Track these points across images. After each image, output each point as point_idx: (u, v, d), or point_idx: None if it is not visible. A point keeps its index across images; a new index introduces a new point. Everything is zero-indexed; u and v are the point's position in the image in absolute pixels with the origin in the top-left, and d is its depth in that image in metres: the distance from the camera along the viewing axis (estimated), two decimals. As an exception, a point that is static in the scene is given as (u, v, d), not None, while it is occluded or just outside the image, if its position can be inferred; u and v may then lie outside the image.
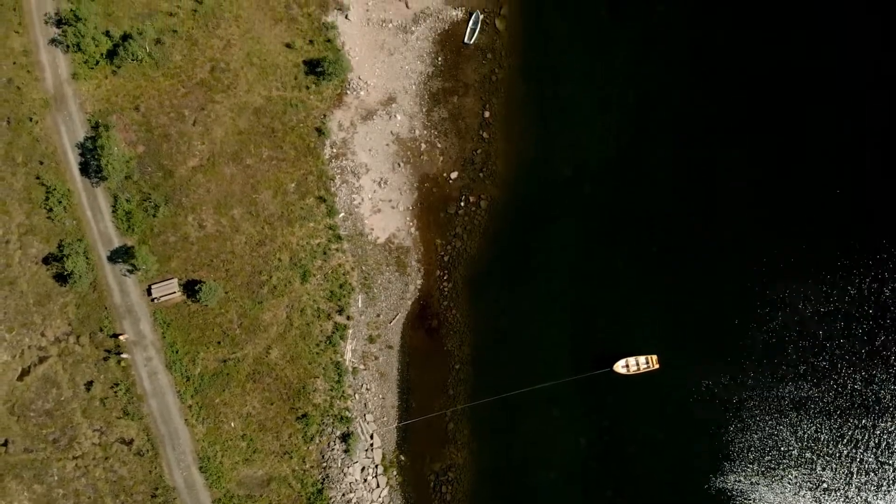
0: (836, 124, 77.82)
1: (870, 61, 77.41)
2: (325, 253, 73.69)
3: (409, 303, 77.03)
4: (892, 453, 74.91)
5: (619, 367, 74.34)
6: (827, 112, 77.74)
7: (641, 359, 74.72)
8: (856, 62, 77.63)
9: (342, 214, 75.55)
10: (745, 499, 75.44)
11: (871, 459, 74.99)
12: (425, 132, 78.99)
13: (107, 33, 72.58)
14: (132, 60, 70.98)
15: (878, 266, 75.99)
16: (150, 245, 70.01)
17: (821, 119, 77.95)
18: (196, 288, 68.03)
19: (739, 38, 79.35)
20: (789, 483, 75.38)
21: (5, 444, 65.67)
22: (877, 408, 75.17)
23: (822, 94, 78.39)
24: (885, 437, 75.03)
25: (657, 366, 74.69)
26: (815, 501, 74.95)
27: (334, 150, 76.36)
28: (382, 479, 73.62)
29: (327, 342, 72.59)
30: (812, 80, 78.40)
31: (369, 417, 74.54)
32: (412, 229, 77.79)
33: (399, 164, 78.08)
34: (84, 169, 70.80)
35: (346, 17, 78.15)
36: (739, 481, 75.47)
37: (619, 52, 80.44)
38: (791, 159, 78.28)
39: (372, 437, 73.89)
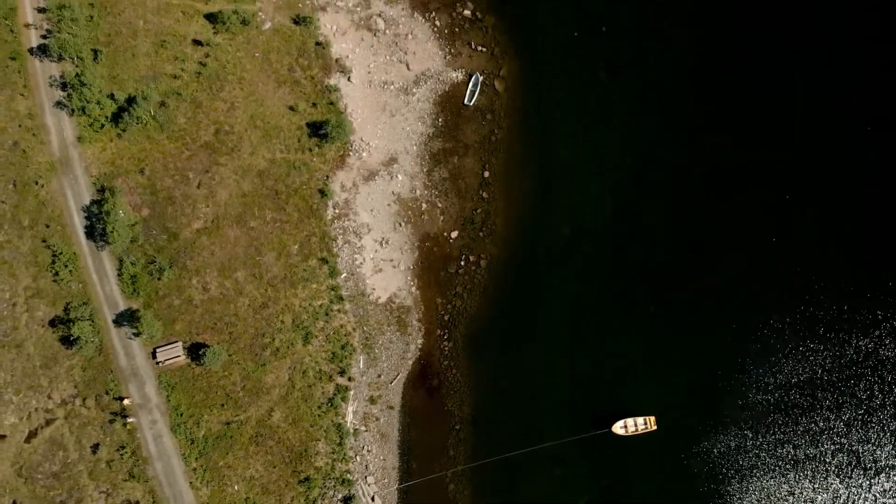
0: (831, 184, 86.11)
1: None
2: (327, 314, 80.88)
3: (410, 363, 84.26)
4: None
5: (618, 427, 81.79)
6: (824, 167, 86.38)
7: (640, 420, 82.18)
8: (857, 135, 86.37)
9: (344, 275, 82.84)
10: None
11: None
12: (426, 192, 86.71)
13: (111, 96, 79.56)
14: (137, 123, 77.81)
15: (876, 325, 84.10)
16: (155, 308, 76.83)
17: (819, 174, 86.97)
18: (200, 352, 74.82)
19: (735, 99, 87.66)
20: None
21: (11, 506, 72.12)
22: (874, 467, 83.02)
23: (820, 149, 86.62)
24: (880, 497, 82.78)
25: (655, 427, 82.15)
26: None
27: (336, 211, 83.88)
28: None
29: (329, 404, 79.59)
30: (810, 137, 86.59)
31: (370, 479, 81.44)
32: (413, 289, 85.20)
33: (400, 224, 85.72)
34: (89, 232, 77.53)
35: (349, 79, 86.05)
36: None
37: (617, 113, 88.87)
38: (788, 218, 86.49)
39: (373, 499, 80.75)
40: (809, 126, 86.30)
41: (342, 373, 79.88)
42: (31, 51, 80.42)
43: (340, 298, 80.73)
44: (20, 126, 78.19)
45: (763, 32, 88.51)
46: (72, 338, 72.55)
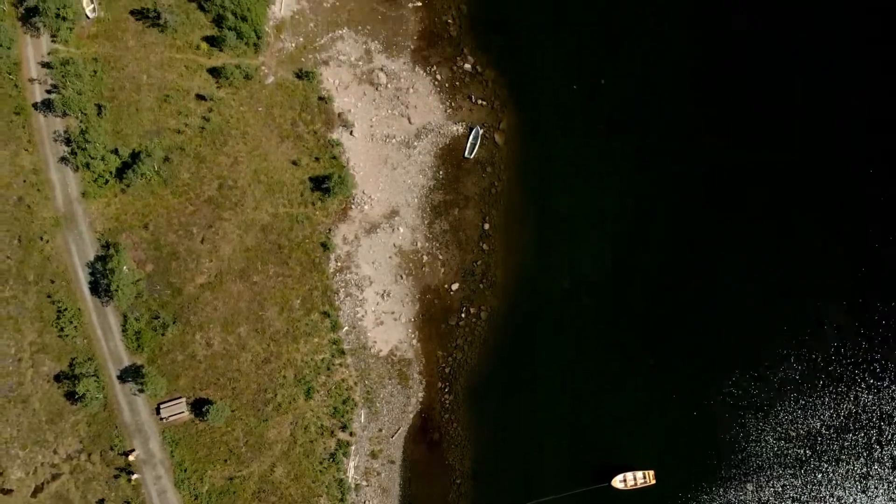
0: (826, 241, 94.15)
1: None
2: (328, 368, 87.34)
3: (411, 416, 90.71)
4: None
5: (617, 482, 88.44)
6: (818, 226, 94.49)
7: (639, 474, 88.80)
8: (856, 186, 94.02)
9: (346, 328, 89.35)
10: None
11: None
12: (427, 244, 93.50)
13: (115, 151, 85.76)
14: (141, 179, 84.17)
15: (876, 377, 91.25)
16: (159, 364, 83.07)
17: (814, 230, 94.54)
18: (204, 409, 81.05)
19: (734, 154, 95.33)
20: None
21: (13, 563, 77.72)
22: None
23: (815, 207, 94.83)
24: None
25: (654, 481, 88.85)
26: None
27: (339, 264, 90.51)
28: None
29: (330, 459, 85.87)
30: (806, 193, 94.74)
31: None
32: (414, 341, 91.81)
33: (401, 277, 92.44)
34: (94, 288, 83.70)
35: (351, 133, 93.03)
36: None
37: (616, 166, 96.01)
38: (786, 273, 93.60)
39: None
40: (805, 196, 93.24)
41: (344, 427, 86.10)
42: (35, 105, 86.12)
43: (342, 352, 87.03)
44: (25, 181, 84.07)
45: (764, 94, 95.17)
46: (77, 395, 78.12)
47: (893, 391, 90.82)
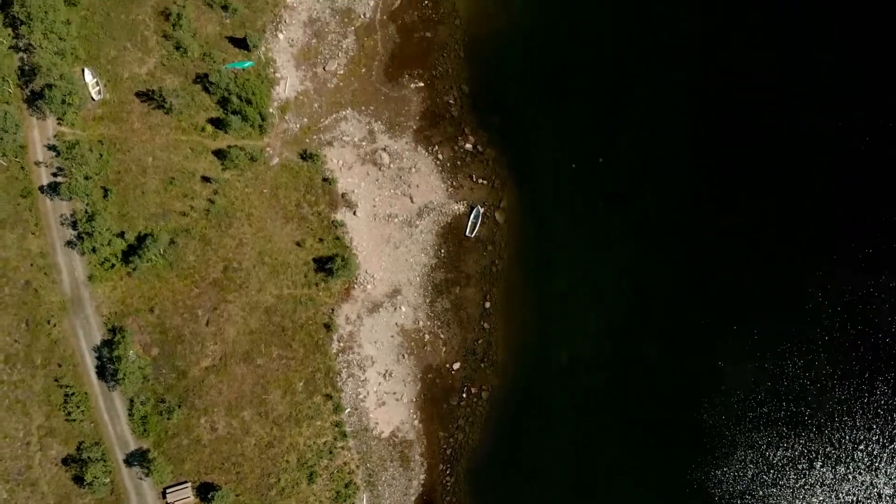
0: (831, 321, 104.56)
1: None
2: (331, 452, 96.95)
3: (413, 499, 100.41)
4: None
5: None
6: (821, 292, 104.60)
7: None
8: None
9: (348, 410, 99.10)
10: None
11: None
12: (429, 323, 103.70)
13: (121, 235, 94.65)
14: (147, 264, 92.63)
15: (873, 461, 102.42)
16: (165, 448, 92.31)
17: (817, 303, 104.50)
18: (209, 495, 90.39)
19: (733, 233, 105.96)
20: None
21: None
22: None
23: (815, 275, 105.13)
24: None
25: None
26: None
27: (341, 345, 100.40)
28: None
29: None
30: (808, 266, 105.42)
31: None
32: (416, 422, 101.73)
33: (403, 356, 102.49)
34: (101, 372, 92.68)
35: (355, 213, 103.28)
36: None
37: (614, 244, 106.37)
38: (781, 353, 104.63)
39: None
40: (807, 269, 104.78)
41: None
42: (41, 188, 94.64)
43: (344, 435, 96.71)
44: (32, 265, 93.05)
45: (761, 167, 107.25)
46: (85, 482, 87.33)
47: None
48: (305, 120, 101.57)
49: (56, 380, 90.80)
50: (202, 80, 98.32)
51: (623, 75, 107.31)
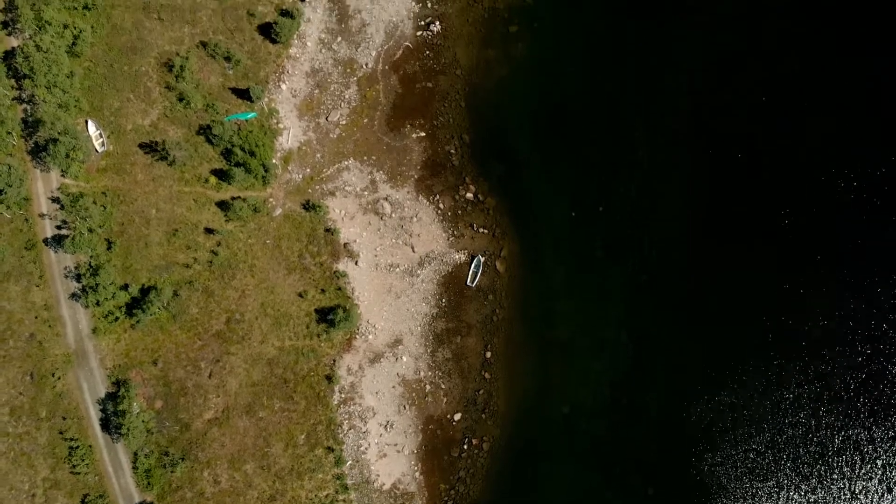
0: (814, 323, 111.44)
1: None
2: None
3: None
4: None
5: None
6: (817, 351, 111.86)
7: None
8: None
9: (349, 462, 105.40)
10: None
11: None
12: (430, 373, 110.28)
13: (125, 287, 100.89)
14: (150, 316, 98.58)
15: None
16: (169, 501, 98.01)
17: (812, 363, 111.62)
18: None
19: (731, 281, 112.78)
20: None
21: None
22: None
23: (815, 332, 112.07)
24: None
25: None
26: None
27: (343, 396, 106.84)
28: None
29: None
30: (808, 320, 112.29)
31: None
32: (417, 474, 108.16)
33: (405, 407, 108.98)
34: (105, 425, 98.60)
35: (356, 263, 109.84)
36: None
37: (614, 293, 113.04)
38: (781, 404, 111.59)
39: None
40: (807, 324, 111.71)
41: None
42: (45, 241, 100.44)
43: (346, 488, 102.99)
44: (36, 318, 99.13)
45: (757, 214, 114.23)
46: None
47: None
48: (308, 170, 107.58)
49: (61, 432, 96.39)
50: (205, 131, 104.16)
51: (622, 124, 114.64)
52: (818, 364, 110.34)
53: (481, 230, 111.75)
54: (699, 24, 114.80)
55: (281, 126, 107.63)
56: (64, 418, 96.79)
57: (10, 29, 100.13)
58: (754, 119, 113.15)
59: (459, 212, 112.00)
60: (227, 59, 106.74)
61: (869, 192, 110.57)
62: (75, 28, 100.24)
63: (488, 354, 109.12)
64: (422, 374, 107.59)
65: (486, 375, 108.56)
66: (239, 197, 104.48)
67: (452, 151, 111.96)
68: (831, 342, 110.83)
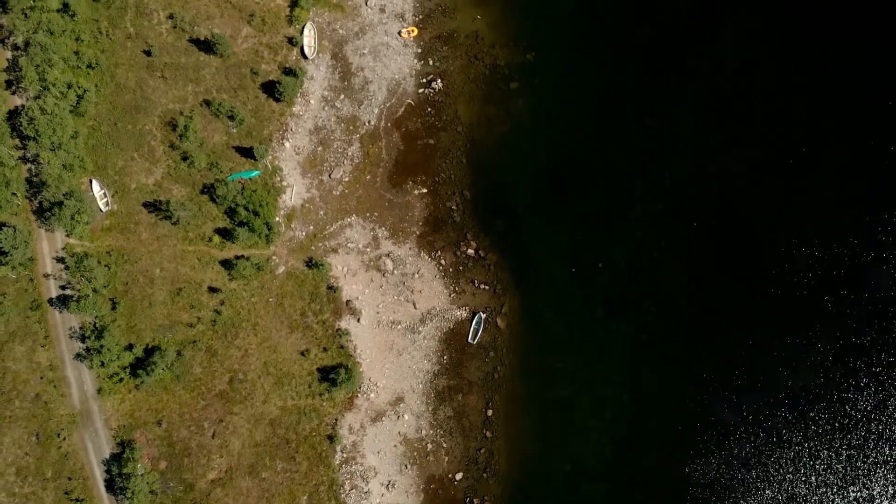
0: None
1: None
2: None
3: None
4: None
5: None
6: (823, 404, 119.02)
7: None
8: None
9: None
10: None
11: None
12: (431, 432, 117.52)
13: (129, 347, 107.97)
14: (154, 378, 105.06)
15: None
16: None
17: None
18: None
19: (733, 334, 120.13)
20: None
21: None
22: None
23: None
24: None
25: None
26: None
27: (344, 455, 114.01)
28: None
29: None
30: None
31: None
32: None
33: (406, 466, 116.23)
34: (110, 485, 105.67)
35: (359, 320, 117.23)
36: None
37: (615, 351, 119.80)
38: (782, 464, 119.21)
39: None
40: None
41: None
42: (50, 301, 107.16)
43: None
44: (42, 378, 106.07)
45: (758, 269, 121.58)
46: None
47: None
48: (311, 227, 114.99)
49: (66, 493, 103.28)
50: (209, 190, 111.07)
51: (623, 181, 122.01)
52: (823, 419, 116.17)
53: (483, 286, 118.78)
54: (700, 82, 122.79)
55: (284, 184, 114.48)
56: (69, 478, 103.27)
57: (14, 88, 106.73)
58: (755, 178, 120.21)
59: (461, 268, 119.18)
60: (231, 117, 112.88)
61: (877, 255, 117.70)
62: (79, 87, 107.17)
63: (490, 412, 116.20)
64: (423, 432, 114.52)
65: (488, 434, 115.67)
66: (242, 256, 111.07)
67: (454, 207, 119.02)
68: (835, 399, 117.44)
